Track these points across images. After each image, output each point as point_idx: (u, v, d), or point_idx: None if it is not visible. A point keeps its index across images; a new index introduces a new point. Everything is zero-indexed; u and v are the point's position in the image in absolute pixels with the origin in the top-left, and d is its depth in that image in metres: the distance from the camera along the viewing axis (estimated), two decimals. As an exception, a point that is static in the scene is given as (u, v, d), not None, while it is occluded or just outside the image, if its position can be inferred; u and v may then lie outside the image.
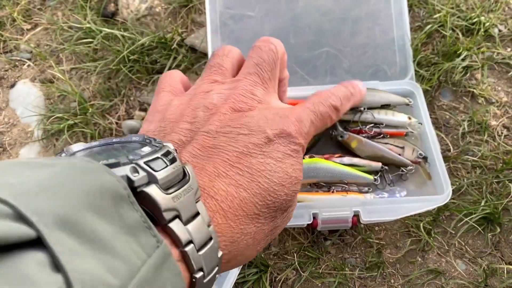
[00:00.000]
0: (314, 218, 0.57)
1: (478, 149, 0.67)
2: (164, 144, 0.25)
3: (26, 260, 0.16)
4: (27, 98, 0.75)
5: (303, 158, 0.62)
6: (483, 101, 0.71)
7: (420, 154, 0.61)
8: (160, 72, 0.73)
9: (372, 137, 0.63)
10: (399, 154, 0.61)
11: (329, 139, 0.66)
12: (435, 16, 0.75)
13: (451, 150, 0.67)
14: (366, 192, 0.59)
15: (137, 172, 0.22)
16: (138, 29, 0.76)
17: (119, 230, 0.19)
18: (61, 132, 0.70)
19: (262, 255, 0.60)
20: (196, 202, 0.24)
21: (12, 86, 0.76)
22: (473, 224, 0.61)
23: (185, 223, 0.23)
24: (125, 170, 0.21)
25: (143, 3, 0.79)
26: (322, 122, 0.34)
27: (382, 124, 0.64)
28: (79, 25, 0.76)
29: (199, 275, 0.23)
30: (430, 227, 0.62)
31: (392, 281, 0.60)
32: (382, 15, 0.74)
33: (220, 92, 0.33)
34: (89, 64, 0.74)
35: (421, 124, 0.64)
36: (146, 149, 0.24)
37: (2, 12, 0.81)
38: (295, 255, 0.60)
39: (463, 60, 0.71)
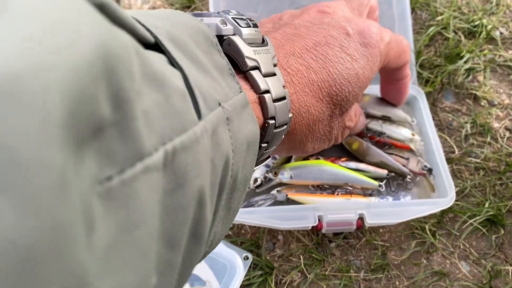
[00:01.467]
0: (319, 220, 0.57)
1: (481, 151, 0.67)
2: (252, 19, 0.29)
3: (154, 55, 0.18)
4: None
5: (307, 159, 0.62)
6: (485, 103, 0.71)
7: (425, 166, 0.61)
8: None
9: (376, 145, 0.63)
10: (404, 165, 0.61)
11: None
12: (437, 18, 0.75)
13: (455, 152, 0.67)
14: (371, 195, 0.59)
15: (225, 24, 0.25)
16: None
17: (213, 66, 0.22)
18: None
19: (268, 257, 0.60)
20: (274, 66, 0.27)
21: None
22: (477, 225, 0.62)
23: (264, 76, 0.26)
24: (216, 20, 0.25)
25: (145, 3, 0.78)
26: (398, 51, 0.36)
27: (385, 133, 0.63)
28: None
29: (271, 122, 0.26)
30: (435, 229, 0.62)
31: (397, 283, 0.60)
32: (385, 17, 0.74)
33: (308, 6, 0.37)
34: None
35: (423, 142, 0.63)
36: (234, 11, 0.28)
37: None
38: (300, 257, 0.60)
39: (465, 62, 0.71)
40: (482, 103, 0.71)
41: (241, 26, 0.26)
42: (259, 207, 0.59)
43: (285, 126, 0.27)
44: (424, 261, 0.61)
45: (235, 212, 0.23)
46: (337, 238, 0.62)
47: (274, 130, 0.26)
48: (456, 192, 0.59)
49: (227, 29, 0.25)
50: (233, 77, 0.23)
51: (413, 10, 0.77)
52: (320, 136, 0.32)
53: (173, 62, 0.19)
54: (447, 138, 0.69)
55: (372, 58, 0.32)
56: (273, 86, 0.26)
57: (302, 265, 0.60)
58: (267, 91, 0.26)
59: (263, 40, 0.28)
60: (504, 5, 0.77)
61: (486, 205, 0.63)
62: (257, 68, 0.26)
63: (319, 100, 0.30)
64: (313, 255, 0.61)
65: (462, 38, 0.74)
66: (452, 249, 0.62)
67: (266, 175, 0.60)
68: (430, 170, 0.61)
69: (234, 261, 0.55)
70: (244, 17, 0.27)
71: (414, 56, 0.70)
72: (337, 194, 0.59)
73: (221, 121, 0.19)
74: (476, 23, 0.74)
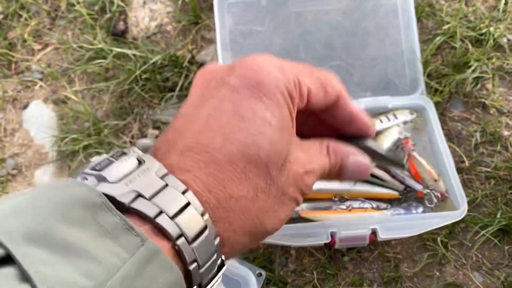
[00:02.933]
0: (331, 236, 0.57)
1: (491, 160, 0.67)
2: (118, 149, 0.26)
3: None
4: (40, 119, 0.75)
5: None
6: (494, 112, 0.71)
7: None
8: (172, 90, 0.74)
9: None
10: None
11: None
12: (444, 27, 0.75)
13: (465, 162, 0.67)
14: (384, 209, 0.60)
15: (86, 179, 0.23)
16: (149, 47, 0.76)
17: (95, 235, 0.20)
18: (76, 153, 0.71)
19: (281, 273, 0.61)
20: (163, 178, 0.23)
21: (25, 107, 0.76)
22: (489, 236, 0.62)
23: (151, 198, 0.22)
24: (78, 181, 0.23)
25: (152, 21, 0.79)
26: (317, 85, 0.29)
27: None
28: (90, 46, 0.77)
29: (193, 266, 0.23)
30: (446, 240, 0.62)
31: (411, 295, 0.60)
32: (391, 27, 0.74)
33: None
34: (101, 84, 0.74)
35: (420, 118, 0.65)
36: (95, 159, 0.25)
37: (13, 33, 0.81)
38: (314, 272, 0.61)
39: (473, 71, 0.71)
40: (491, 112, 0.71)
41: (100, 170, 0.23)
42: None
43: (214, 256, 0.24)
44: (437, 272, 0.61)
45: None
46: (350, 252, 0.62)
47: (201, 270, 0.23)
48: (467, 202, 0.59)
49: (91, 183, 0.23)
50: (131, 230, 0.20)
51: (419, 19, 0.77)
52: (274, 207, 0.26)
53: (24, 274, 0.17)
54: (456, 148, 0.69)
55: (275, 104, 0.26)
56: (187, 224, 0.22)
57: (316, 280, 0.60)
58: (180, 235, 0.22)
59: (140, 162, 0.24)
60: (511, 11, 0.77)
61: (498, 215, 0.63)
62: (139, 195, 0.22)
63: (240, 176, 0.24)
64: (326, 269, 0.61)
65: (469, 46, 0.74)
66: (464, 260, 0.62)
67: None
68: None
69: (247, 278, 0.56)
70: (103, 158, 0.24)
71: (421, 66, 0.70)
72: (350, 210, 0.59)
73: None
74: (483, 31, 0.74)
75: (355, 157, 0.31)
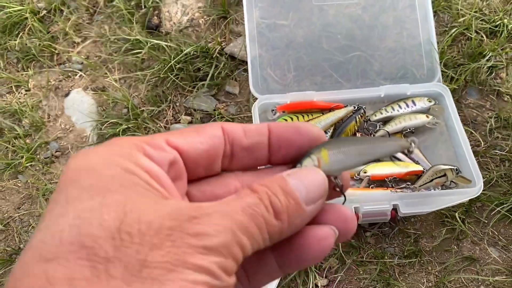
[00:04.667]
0: (355, 211, 0.61)
1: (506, 144, 0.71)
2: None
3: None
4: (81, 106, 0.81)
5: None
6: (508, 99, 0.75)
7: (456, 169, 0.64)
8: (203, 79, 0.79)
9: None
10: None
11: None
12: (459, 20, 0.80)
13: (481, 145, 0.71)
14: (404, 187, 0.64)
15: None
16: (181, 40, 0.82)
17: None
18: (116, 136, 0.76)
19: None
20: None
21: (67, 95, 0.82)
22: (505, 213, 0.65)
23: None
24: None
25: (184, 15, 0.84)
26: None
27: (407, 130, 0.69)
28: (127, 37, 0.83)
29: None
30: (463, 217, 0.66)
31: (430, 268, 0.64)
32: (409, 20, 0.79)
33: None
34: (138, 73, 0.80)
35: (438, 122, 0.69)
36: None
37: (55, 27, 0.87)
38: (339, 244, 0.65)
39: (488, 60, 0.75)
40: (506, 99, 0.75)
41: None
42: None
43: None
44: (455, 247, 0.65)
45: None
46: (372, 228, 0.67)
47: None
48: (483, 183, 0.63)
49: None
50: None
51: (435, 13, 0.81)
52: None
53: None
54: (473, 131, 0.73)
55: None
56: None
57: (341, 251, 0.64)
58: None
59: None
60: (523, 5, 0.81)
61: (513, 194, 0.66)
62: None
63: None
64: (350, 243, 0.65)
65: (484, 37, 0.78)
66: (481, 236, 0.66)
67: None
68: (458, 171, 0.64)
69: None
70: None
71: (438, 56, 0.74)
72: (372, 188, 0.64)
73: None
74: (497, 23, 0.78)
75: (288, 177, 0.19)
